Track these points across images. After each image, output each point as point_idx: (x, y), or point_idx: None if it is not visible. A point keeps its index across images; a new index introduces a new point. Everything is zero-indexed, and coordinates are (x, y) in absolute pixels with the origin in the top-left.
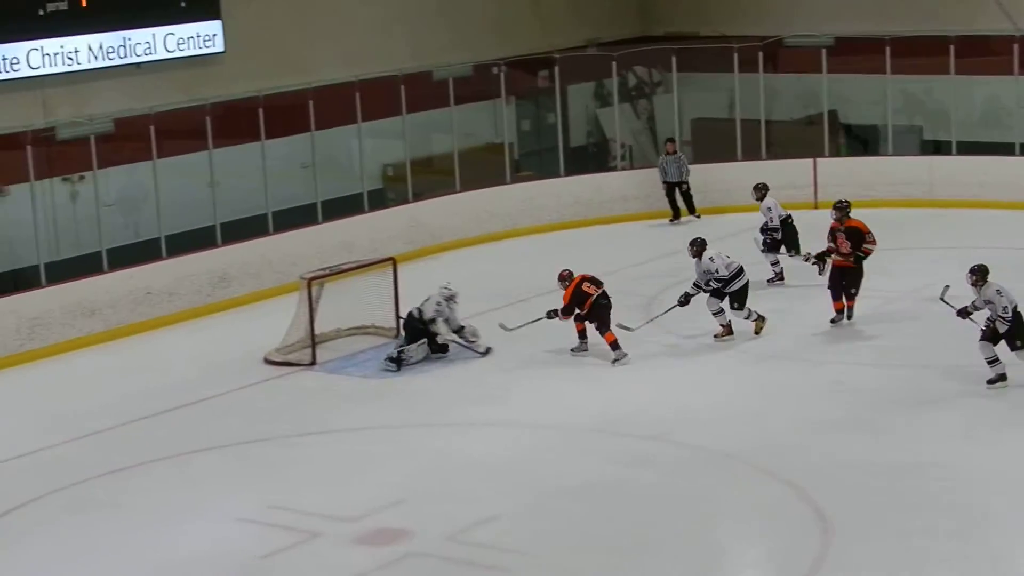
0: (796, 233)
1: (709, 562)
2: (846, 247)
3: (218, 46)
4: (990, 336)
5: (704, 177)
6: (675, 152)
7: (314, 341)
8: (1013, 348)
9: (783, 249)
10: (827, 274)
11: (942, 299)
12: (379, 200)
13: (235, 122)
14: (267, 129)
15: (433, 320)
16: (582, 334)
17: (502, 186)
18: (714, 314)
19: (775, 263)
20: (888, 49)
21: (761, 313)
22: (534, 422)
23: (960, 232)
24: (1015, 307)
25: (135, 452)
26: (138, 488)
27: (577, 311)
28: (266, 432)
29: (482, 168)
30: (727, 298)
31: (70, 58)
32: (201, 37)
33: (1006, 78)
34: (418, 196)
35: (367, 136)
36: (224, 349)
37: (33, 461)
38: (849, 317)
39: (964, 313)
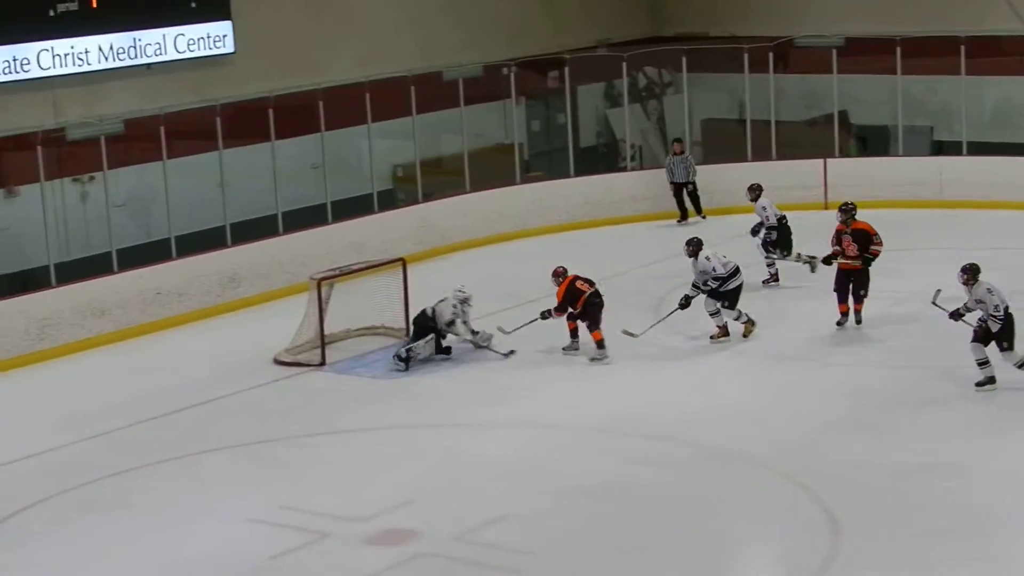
0: (790, 234)
1: (719, 562)
2: (852, 250)
3: (228, 47)
4: (982, 337)
5: (714, 178)
6: (682, 152)
7: (324, 341)
8: (1002, 349)
9: (775, 250)
10: (816, 273)
11: (934, 303)
12: (389, 200)
13: (245, 123)
14: (277, 130)
15: (451, 323)
16: (574, 333)
17: (512, 187)
18: (711, 315)
19: (770, 264)
20: (898, 49)
21: (752, 317)
22: (542, 422)
23: (970, 233)
24: (1007, 307)
25: (145, 452)
26: (147, 488)
27: (570, 310)
28: (276, 432)
29: (492, 169)
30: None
31: (80, 59)
32: (211, 38)
33: (1017, 78)
34: (428, 196)
35: (377, 137)
36: (234, 349)
37: (43, 461)
38: (858, 322)
39: (956, 315)
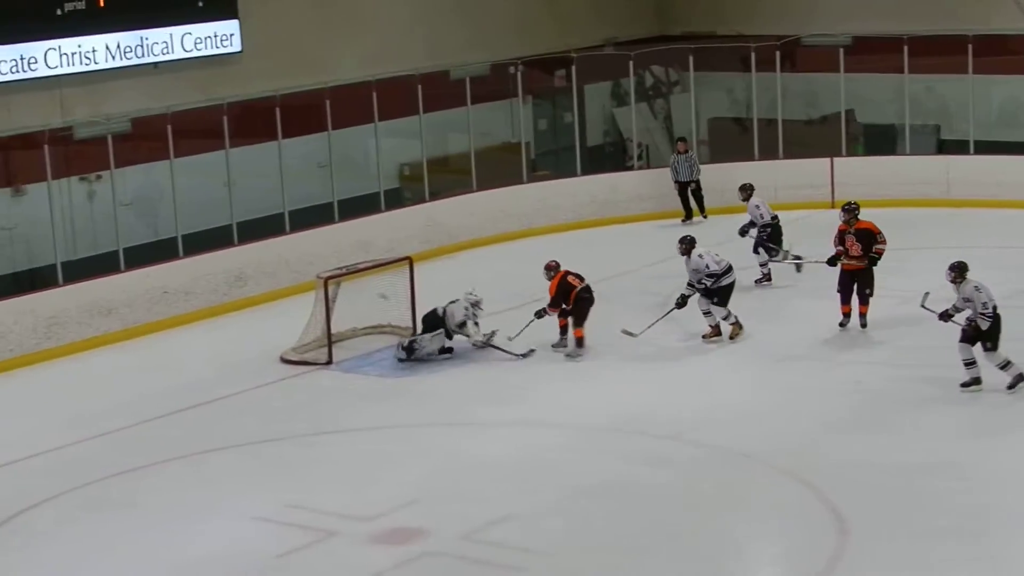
0: (781, 234)
1: (725, 561)
2: (856, 250)
3: (235, 46)
4: (970, 336)
5: (720, 176)
6: (686, 151)
7: (330, 340)
8: (985, 349)
9: (774, 248)
10: (802, 273)
11: (923, 306)
12: (396, 199)
13: (252, 122)
14: (284, 129)
15: (463, 324)
16: (564, 330)
17: (518, 185)
18: (704, 314)
19: (763, 264)
20: (905, 48)
21: (740, 321)
22: (548, 422)
23: (977, 232)
24: (995, 305)
25: (151, 451)
26: (154, 487)
27: (563, 305)
28: (282, 431)
29: (499, 167)
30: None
31: (87, 58)
32: (218, 37)
33: None
34: (435, 195)
35: (384, 135)
36: (240, 348)
37: (49, 460)
38: (863, 326)
39: (946, 316)
